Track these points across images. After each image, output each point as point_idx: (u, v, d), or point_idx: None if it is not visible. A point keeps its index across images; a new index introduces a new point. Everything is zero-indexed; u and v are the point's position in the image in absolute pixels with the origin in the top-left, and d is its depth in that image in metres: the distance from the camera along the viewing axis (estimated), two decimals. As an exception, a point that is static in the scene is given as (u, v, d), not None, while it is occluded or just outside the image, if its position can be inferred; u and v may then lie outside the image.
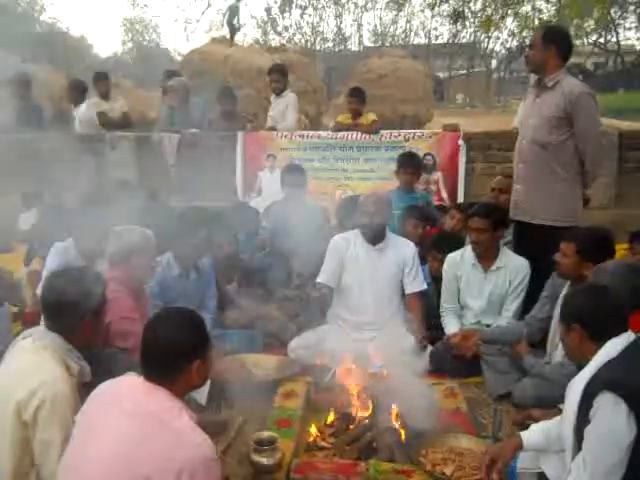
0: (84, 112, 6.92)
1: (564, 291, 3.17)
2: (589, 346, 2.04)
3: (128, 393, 1.87)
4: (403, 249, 3.87)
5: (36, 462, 2.03)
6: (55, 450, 1.99)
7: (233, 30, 11.89)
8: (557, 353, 3.10)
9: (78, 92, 7.09)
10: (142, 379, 1.89)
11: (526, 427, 2.38)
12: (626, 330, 2.04)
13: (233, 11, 11.98)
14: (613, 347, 1.99)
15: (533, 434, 2.28)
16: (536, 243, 3.61)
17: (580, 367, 2.11)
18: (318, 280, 3.75)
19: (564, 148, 3.68)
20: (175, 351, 1.87)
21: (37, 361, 2.13)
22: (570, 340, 2.12)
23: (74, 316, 2.24)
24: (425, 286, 3.90)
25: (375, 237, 3.80)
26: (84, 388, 2.17)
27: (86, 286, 2.28)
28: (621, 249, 4.22)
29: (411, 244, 3.97)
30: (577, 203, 3.81)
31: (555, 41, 3.68)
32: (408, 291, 3.85)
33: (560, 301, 3.17)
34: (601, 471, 1.84)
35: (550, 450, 2.23)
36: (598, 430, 1.85)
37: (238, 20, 11.43)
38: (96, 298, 2.31)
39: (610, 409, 1.83)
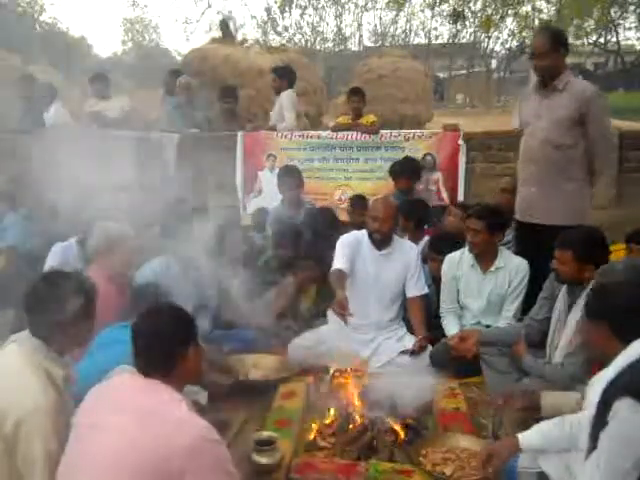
0: (52, 117, 6.82)
1: (562, 293, 3.17)
2: (614, 344, 1.97)
3: (125, 390, 1.87)
4: (407, 253, 3.86)
5: (22, 474, 1.99)
6: (39, 464, 1.95)
7: (227, 35, 11.96)
8: (557, 354, 3.10)
9: (47, 95, 6.97)
10: (139, 376, 1.90)
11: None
12: None
13: (225, 21, 12.11)
14: (636, 349, 1.92)
15: (530, 435, 2.27)
16: (545, 244, 3.59)
17: (599, 364, 2.07)
18: (334, 267, 3.61)
19: (577, 148, 3.72)
20: (170, 339, 1.92)
21: (18, 372, 2.06)
22: (594, 336, 2.04)
23: (55, 320, 2.14)
24: (427, 290, 3.90)
25: (382, 242, 3.79)
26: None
27: (70, 290, 2.19)
28: (620, 249, 4.22)
29: (414, 247, 3.96)
30: (587, 202, 3.87)
31: (562, 43, 3.70)
32: (410, 294, 3.84)
33: (558, 303, 3.19)
34: (614, 474, 1.80)
35: (549, 451, 2.22)
36: (614, 433, 1.81)
37: (234, 24, 11.46)
38: (79, 303, 2.19)
39: (629, 414, 1.77)
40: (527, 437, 2.27)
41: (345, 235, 3.87)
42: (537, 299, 3.41)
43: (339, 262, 3.58)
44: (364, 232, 3.84)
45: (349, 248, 3.71)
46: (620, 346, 1.96)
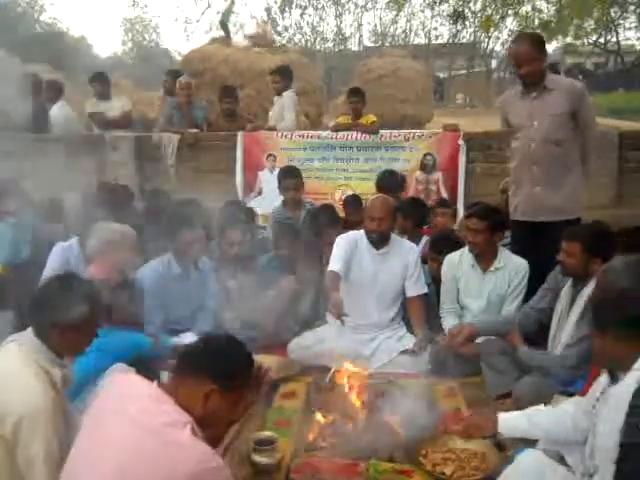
0: (55, 114, 6.89)
1: (566, 287, 3.17)
2: (626, 351, 1.82)
3: (135, 398, 1.79)
4: (406, 253, 3.85)
5: (23, 475, 1.99)
6: (40, 464, 1.95)
7: (227, 32, 11.96)
8: (559, 349, 3.10)
9: (53, 92, 7.04)
10: (153, 384, 1.83)
11: None
12: None
13: (226, 14, 12.12)
14: None
15: (512, 415, 2.27)
16: (548, 242, 3.59)
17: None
18: (330, 268, 3.66)
19: (573, 142, 3.85)
20: (200, 359, 1.82)
21: (18, 373, 2.05)
22: (604, 345, 1.88)
23: (57, 323, 2.13)
24: (426, 289, 3.89)
25: (380, 242, 3.79)
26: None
27: (77, 296, 2.18)
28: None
29: (414, 247, 3.96)
30: (584, 192, 4.02)
31: (543, 47, 3.82)
32: (409, 294, 3.84)
33: (562, 299, 3.19)
34: None
35: (530, 435, 2.22)
36: None
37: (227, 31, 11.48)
38: (84, 310, 2.17)
39: None
40: (508, 417, 2.26)
41: (342, 235, 3.87)
42: (539, 289, 3.42)
43: (334, 264, 3.59)
44: (362, 232, 3.84)
45: (345, 249, 3.70)
46: (633, 353, 1.80)
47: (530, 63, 3.75)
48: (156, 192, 5.31)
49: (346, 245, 3.72)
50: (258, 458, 2.52)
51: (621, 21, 25.12)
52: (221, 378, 1.78)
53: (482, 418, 2.39)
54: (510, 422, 2.23)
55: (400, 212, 4.41)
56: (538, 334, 3.37)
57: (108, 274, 3.20)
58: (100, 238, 3.36)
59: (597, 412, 1.89)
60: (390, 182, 5.05)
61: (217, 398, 1.77)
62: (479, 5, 25.40)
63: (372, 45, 27.40)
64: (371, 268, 3.77)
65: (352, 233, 3.90)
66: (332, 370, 3.22)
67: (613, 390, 1.86)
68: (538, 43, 3.78)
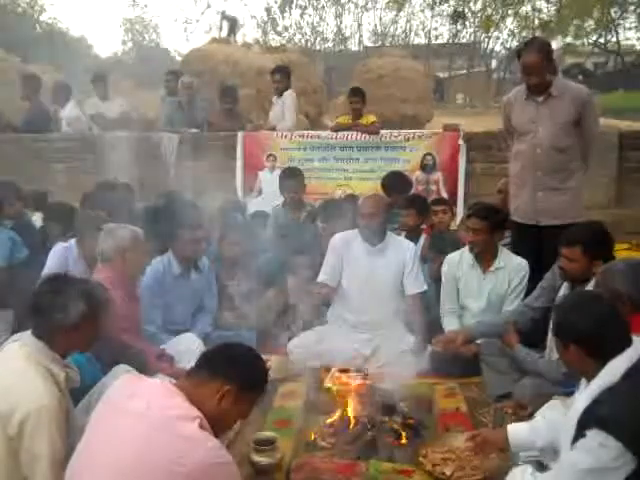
0: (70, 112, 6.97)
1: (564, 287, 3.16)
2: (590, 363, 1.91)
3: (143, 395, 1.80)
4: (403, 250, 3.86)
5: (25, 473, 1.99)
6: (43, 463, 1.96)
7: (235, 27, 12.00)
8: (555, 353, 3.10)
9: (63, 94, 7.12)
10: (163, 381, 1.86)
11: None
12: (629, 343, 1.88)
13: (230, 20, 12.15)
14: (615, 369, 1.85)
15: (519, 426, 2.35)
16: (549, 244, 3.58)
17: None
18: (319, 279, 3.73)
19: (575, 148, 3.87)
20: (221, 362, 1.88)
21: (21, 372, 2.06)
22: (568, 358, 1.98)
23: (58, 324, 2.13)
24: (425, 287, 3.90)
25: (375, 238, 3.79)
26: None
27: (75, 296, 2.17)
28: (620, 249, 4.22)
29: (411, 245, 3.97)
30: (584, 194, 4.04)
31: (551, 55, 3.81)
32: (408, 292, 3.84)
33: (560, 300, 3.18)
34: None
35: (536, 445, 2.27)
36: (579, 460, 1.80)
37: (233, 29, 11.55)
38: (83, 309, 2.17)
39: (596, 445, 1.75)
40: (515, 427, 2.33)
41: (336, 235, 3.91)
42: (536, 287, 3.41)
43: (322, 274, 3.71)
44: (356, 231, 3.86)
45: (335, 254, 3.79)
46: (596, 364, 1.88)
47: (540, 73, 3.74)
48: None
49: (335, 249, 3.81)
50: (258, 458, 2.52)
51: (621, 21, 25.11)
52: (239, 382, 1.84)
53: (493, 434, 2.45)
54: (516, 434, 2.30)
55: (402, 208, 4.43)
56: (535, 333, 3.36)
57: (113, 275, 3.16)
58: (110, 242, 3.27)
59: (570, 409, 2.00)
60: (396, 182, 5.05)
61: (231, 399, 1.83)
62: (479, 5, 25.41)
63: (372, 45, 27.34)
64: (367, 264, 3.79)
65: (347, 232, 3.94)
66: (332, 370, 3.23)
67: (585, 391, 1.93)
68: (547, 52, 3.76)
